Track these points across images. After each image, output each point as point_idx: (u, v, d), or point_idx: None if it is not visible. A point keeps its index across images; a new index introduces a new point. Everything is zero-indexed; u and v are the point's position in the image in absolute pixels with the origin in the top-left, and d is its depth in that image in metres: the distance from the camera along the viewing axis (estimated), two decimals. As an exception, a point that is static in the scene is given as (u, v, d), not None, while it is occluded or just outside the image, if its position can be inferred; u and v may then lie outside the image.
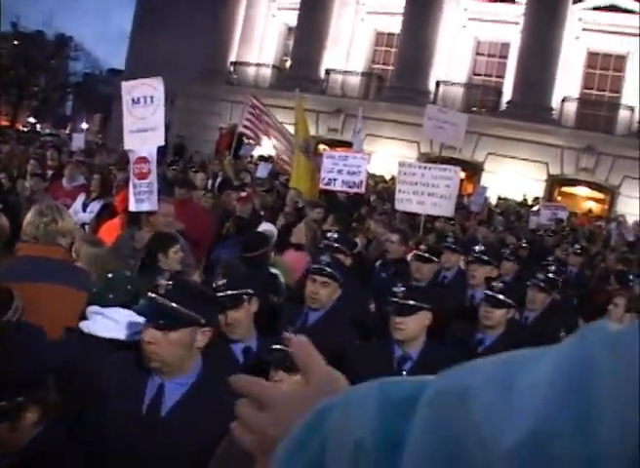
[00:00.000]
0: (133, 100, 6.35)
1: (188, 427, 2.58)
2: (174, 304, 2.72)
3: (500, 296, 4.46)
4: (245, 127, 13.24)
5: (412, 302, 3.79)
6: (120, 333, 3.27)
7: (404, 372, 3.71)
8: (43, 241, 4.02)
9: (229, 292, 3.59)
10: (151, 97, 6.25)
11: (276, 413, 0.76)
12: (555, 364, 0.53)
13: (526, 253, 9.29)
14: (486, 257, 5.95)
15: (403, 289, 3.89)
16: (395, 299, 3.83)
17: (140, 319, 3.32)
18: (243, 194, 9.63)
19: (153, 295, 2.77)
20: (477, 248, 6.19)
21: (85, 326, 3.30)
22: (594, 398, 0.48)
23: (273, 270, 5.67)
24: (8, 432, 2.13)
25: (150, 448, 2.56)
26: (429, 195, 8.11)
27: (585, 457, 0.47)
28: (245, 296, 3.65)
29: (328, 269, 4.40)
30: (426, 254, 6.10)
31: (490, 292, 4.52)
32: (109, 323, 3.27)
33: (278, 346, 2.91)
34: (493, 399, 0.54)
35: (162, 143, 6.47)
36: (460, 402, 0.56)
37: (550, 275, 6.08)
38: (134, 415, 2.68)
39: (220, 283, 3.63)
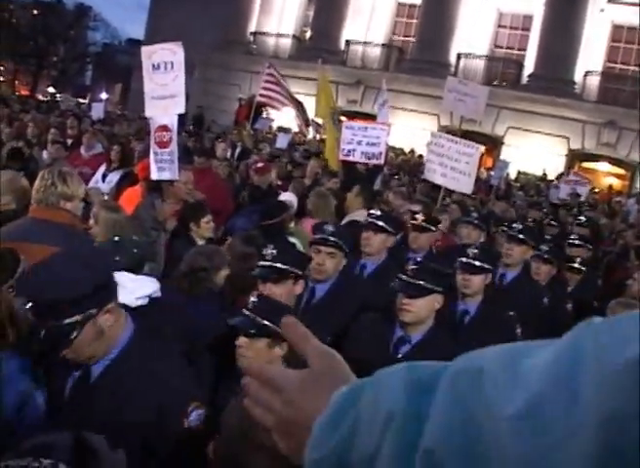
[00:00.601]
0: (153, 66, 6.24)
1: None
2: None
3: (477, 263, 4.33)
4: (262, 95, 13.20)
5: (422, 283, 3.49)
6: (126, 298, 3.26)
7: (399, 355, 3.45)
8: (44, 204, 4.10)
9: (277, 265, 3.54)
10: (171, 63, 6.12)
11: (289, 396, 0.85)
12: (554, 352, 0.65)
13: (555, 231, 9.08)
14: (523, 236, 5.60)
15: (414, 266, 3.59)
16: (405, 278, 3.54)
17: (146, 283, 3.32)
18: (260, 165, 9.63)
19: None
20: (515, 225, 5.92)
21: None
22: (579, 381, 0.61)
23: (292, 239, 5.68)
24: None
25: None
26: (452, 169, 8.13)
27: (568, 425, 0.59)
28: (292, 274, 3.61)
29: (332, 238, 4.21)
30: (424, 224, 5.80)
31: (465, 260, 4.37)
32: None
33: (243, 312, 2.96)
34: (501, 377, 0.67)
35: (182, 111, 6.35)
36: (475, 379, 0.68)
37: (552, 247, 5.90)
38: None
39: (269, 252, 3.58)
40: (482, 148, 8.59)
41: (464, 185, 8.23)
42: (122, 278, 3.19)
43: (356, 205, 6.82)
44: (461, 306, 4.36)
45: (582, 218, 9.51)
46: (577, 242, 7.34)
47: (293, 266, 3.62)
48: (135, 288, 3.25)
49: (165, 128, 6.27)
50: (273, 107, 14.30)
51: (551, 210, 12.25)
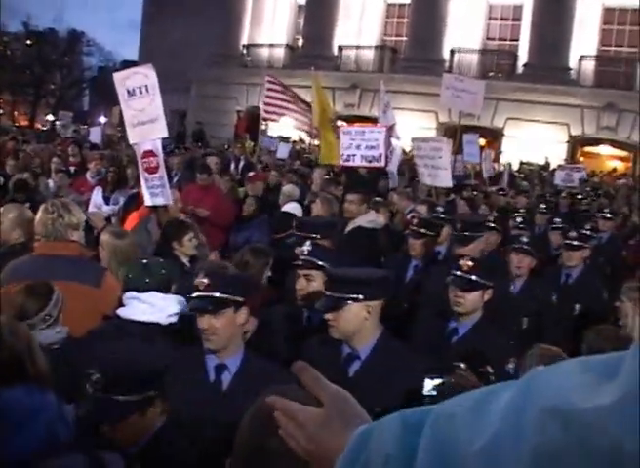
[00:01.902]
0: (128, 92, 6.03)
1: None
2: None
3: (473, 277, 3.80)
4: (267, 112, 13.21)
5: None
6: (157, 317, 3.38)
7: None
8: (53, 238, 4.08)
9: (214, 295, 3.01)
10: (146, 87, 5.96)
11: (309, 433, 1.02)
12: (510, 396, 0.79)
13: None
14: (529, 248, 5.55)
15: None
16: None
17: (174, 302, 3.44)
18: (251, 174, 9.70)
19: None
20: (524, 238, 5.67)
21: (122, 311, 3.42)
22: (522, 422, 0.75)
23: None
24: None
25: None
26: (432, 167, 8.40)
27: (515, 459, 0.74)
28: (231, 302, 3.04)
29: (311, 259, 3.79)
30: (422, 230, 5.66)
31: (458, 273, 3.84)
32: (146, 307, 3.39)
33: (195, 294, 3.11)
34: (470, 420, 0.81)
35: (165, 134, 6.21)
36: (450, 423, 0.83)
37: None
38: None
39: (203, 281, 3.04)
40: (447, 139, 8.83)
41: (444, 180, 8.49)
42: (153, 298, 3.40)
43: (359, 211, 6.83)
44: (452, 323, 3.87)
45: (607, 211, 9.35)
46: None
47: (229, 293, 3.05)
48: (165, 306, 3.41)
49: (151, 153, 6.12)
50: (277, 119, 14.24)
51: (556, 197, 12.25)
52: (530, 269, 5.55)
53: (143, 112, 6.03)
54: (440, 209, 6.62)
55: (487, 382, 2.63)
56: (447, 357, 3.42)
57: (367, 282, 3.13)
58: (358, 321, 3.09)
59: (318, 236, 4.69)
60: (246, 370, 2.99)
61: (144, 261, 3.65)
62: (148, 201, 6.21)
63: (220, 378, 2.99)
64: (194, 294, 3.02)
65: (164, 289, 3.48)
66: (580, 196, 12.46)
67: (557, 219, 7.92)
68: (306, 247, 3.87)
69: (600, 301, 5.77)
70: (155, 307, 3.39)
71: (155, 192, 6.13)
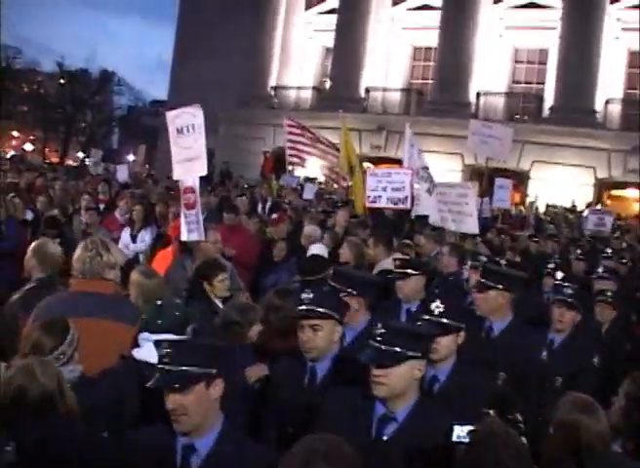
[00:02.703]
0: (177, 130, 6.48)
1: None
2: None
3: (444, 320, 3.61)
4: (290, 155, 13.35)
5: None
6: None
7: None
8: (90, 275, 4.12)
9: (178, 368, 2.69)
10: (193, 126, 6.35)
11: None
12: None
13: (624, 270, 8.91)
14: (574, 301, 5.10)
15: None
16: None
17: None
18: (274, 216, 9.76)
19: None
20: (568, 290, 5.19)
21: (137, 353, 3.39)
22: None
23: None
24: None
25: None
26: (457, 213, 8.37)
27: None
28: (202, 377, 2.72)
29: (317, 309, 3.47)
30: (408, 270, 5.27)
31: (428, 317, 3.64)
32: None
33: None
34: None
35: (205, 172, 6.52)
36: None
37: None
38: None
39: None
40: (473, 184, 8.75)
41: (471, 226, 8.47)
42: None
43: (381, 255, 6.83)
44: (430, 371, 3.56)
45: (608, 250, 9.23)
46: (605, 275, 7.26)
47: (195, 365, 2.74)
48: None
49: (191, 189, 6.43)
50: (302, 166, 14.41)
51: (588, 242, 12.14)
52: (574, 324, 5.13)
53: (188, 150, 6.33)
54: (484, 258, 6.50)
55: (516, 429, 2.60)
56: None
57: (425, 337, 3.01)
58: (410, 379, 2.91)
59: (354, 292, 4.33)
60: (217, 454, 2.64)
61: (159, 303, 3.61)
62: (185, 236, 6.38)
63: (189, 462, 2.65)
64: (158, 367, 2.68)
65: (178, 330, 3.41)
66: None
67: (600, 269, 7.73)
68: (307, 294, 3.51)
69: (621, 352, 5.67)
70: None
71: (191, 228, 6.32)
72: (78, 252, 4.23)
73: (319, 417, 3.06)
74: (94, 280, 4.11)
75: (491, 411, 2.70)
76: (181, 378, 2.60)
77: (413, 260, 5.70)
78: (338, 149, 13.60)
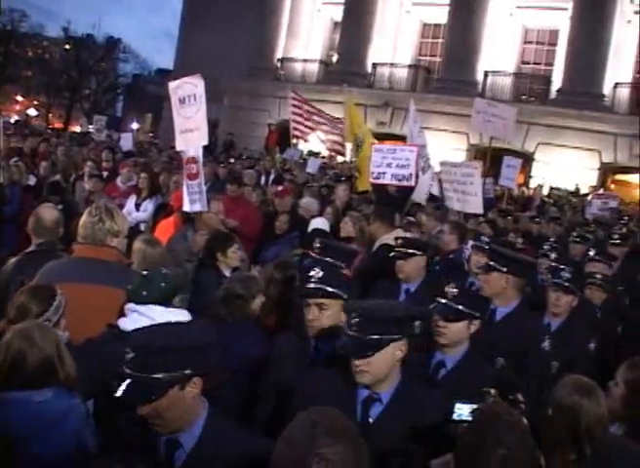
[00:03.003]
0: (180, 100, 6.46)
1: None
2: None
3: (459, 307, 3.55)
4: (295, 129, 13.34)
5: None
6: None
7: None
8: (92, 241, 4.10)
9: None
10: (194, 96, 6.34)
11: None
12: None
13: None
14: (570, 285, 4.96)
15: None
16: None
17: (176, 316, 3.27)
18: (280, 188, 9.73)
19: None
20: (565, 274, 5.02)
21: (122, 322, 3.33)
22: None
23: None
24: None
25: None
26: (462, 193, 8.32)
27: None
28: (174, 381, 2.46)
29: (323, 287, 3.42)
30: (410, 250, 5.21)
31: (443, 301, 3.59)
32: (144, 320, 3.22)
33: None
34: None
35: (206, 142, 6.52)
36: None
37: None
38: None
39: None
40: (479, 164, 8.66)
41: (474, 206, 8.41)
42: (151, 311, 3.27)
43: (380, 230, 6.83)
44: (438, 356, 3.58)
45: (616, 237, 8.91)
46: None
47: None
48: (164, 321, 3.11)
49: (193, 159, 6.41)
50: (305, 140, 14.41)
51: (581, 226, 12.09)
52: (571, 308, 5.00)
53: (190, 120, 6.31)
54: (485, 238, 6.19)
55: (517, 409, 2.60)
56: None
57: (402, 320, 2.85)
58: (392, 363, 2.84)
59: (342, 264, 4.39)
60: (203, 447, 2.44)
61: (145, 273, 3.52)
62: (187, 207, 6.37)
63: (173, 457, 2.45)
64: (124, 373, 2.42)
65: (164, 301, 3.34)
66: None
67: (592, 251, 7.42)
68: (316, 272, 3.41)
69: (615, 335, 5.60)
70: (154, 321, 3.16)
71: (194, 199, 6.31)
72: (83, 217, 4.22)
73: (299, 400, 2.89)
74: (97, 246, 4.09)
75: (492, 391, 2.70)
76: (150, 388, 2.30)
77: (415, 240, 5.62)
78: (342, 123, 13.56)
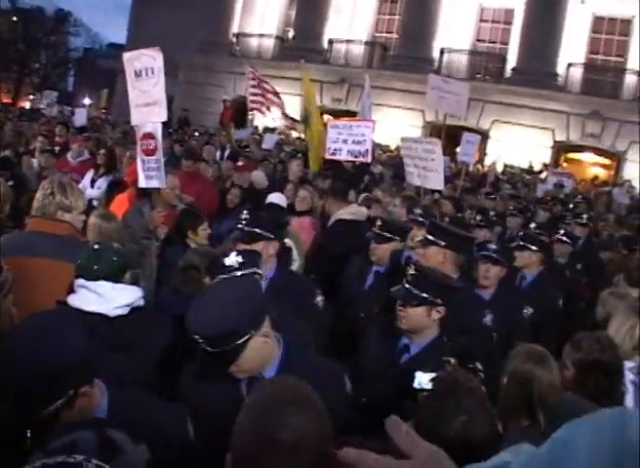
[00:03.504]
0: (135, 73, 6.24)
1: None
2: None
3: (419, 292, 3.50)
4: (252, 102, 13.26)
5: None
6: (103, 307, 3.10)
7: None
8: (42, 215, 4.05)
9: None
10: (152, 69, 6.11)
11: None
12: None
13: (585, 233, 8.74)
14: (498, 256, 5.06)
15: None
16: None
17: (127, 292, 3.19)
18: (240, 163, 9.66)
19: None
20: (492, 245, 5.17)
21: (71, 299, 3.15)
22: None
23: (286, 240, 5.73)
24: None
25: None
26: (423, 168, 8.36)
27: None
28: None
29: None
30: (386, 234, 5.16)
31: (406, 285, 3.58)
32: (93, 296, 3.11)
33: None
34: None
35: (165, 118, 6.30)
36: None
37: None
38: None
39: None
40: (439, 141, 8.69)
41: (436, 182, 8.45)
42: (101, 287, 3.12)
43: (335, 206, 6.82)
44: (404, 340, 3.54)
45: (585, 216, 9.08)
46: (564, 238, 7.24)
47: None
48: (114, 297, 3.12)
49: (150, 135, 6.25)
50: (262, 112, 14.36)
51: (536, 202, 12.30)
52: (499, 279, 5.10)
53: (147, 94, 6.14)
54: (418, 211, 6.12)
55: (477, 378, 2.63)
56: (394, 375, 3.26)
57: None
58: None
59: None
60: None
61: (96, 247, 3.35)
62: (143, 183, 6.23)
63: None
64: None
65: (115, 277, 3.19)
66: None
67: (532, 225, 7.63)
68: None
69: (554, 306, 5.62)
70: (103, 297, 3.10)
71: (150, 175, 6.16)
72: (38, 191, 4.17)
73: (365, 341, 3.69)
74: (49, 220, 4.03)
75: (451, 360, 2.73)
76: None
77: (394, 225, 5.41)
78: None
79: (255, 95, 13.14)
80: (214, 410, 2.44)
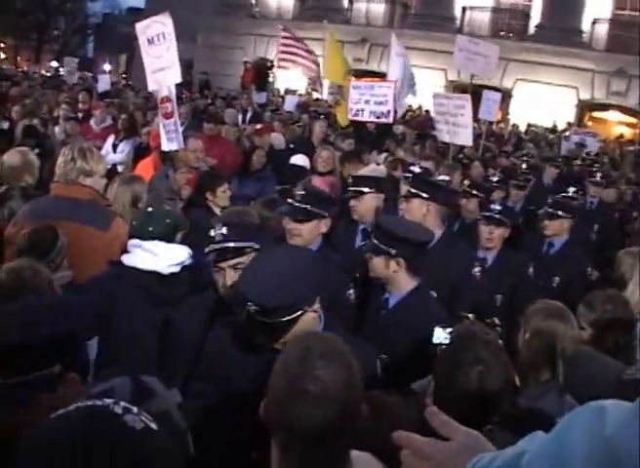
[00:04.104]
0: (148, 41, 6.39)
1: None
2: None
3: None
4: (281, 60, 13.13)
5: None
6: (158, 266, 3.38)
7: None
8: (64, 180, 4.18)
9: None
10: (163, 34, 6.26)
11: (435, 463, 1.12)
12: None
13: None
14: (502, 217, 5.05)
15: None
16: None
17: (178, 251, 3.44)
18: (259, 126, 9.69)
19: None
20: (495, 206, 5.16)
21: (126, 258, 3.43)
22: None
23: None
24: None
25: None
26: (453, 124, 8.35)
27: None
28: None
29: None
30: (360, 188, 4.91)
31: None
32: (148, 255, 3.38)
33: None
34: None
35: (179, 80, 6.50)
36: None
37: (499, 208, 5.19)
38: None
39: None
40: (469, 97, 8.65)
41: (464, 138, 8.48)
42: (155, 247, 3.39)
43: (350, 169, 6.79)
44: (385, 295, 3.55)
45: (598, 175, 8.79)
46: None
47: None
48: (168, 256, 3.38)
49: (167, 99, 6.42)
50: (290, 67, 14.17)
51: (565, 162, 12.18)
52: (504, 240, 5.10)
53: (161, 59, 6.27)
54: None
55: (494, 332, 2.69)
56: (376, 329, 3.37)
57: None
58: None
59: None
60: None
61: (149, 209, 3.64)
62: (165, 146, 6.37)
63: None
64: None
65: (168, 237, 3.45)
66: (578, 161, 12.22)
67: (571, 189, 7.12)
68: (220, 230, 3.10)
69: (583, 275, 5.50)
70: (157, 256, 3.38)
71: (171, 137, 6.30)
72: (59, 158, 4.29)
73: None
74: (70, 185, 4.15)
75: (470, 315, 2.79)
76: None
77: (366, 177, 5.18)
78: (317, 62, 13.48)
79: (284, 53, 13.00)
80: (250, 381, 2.34)
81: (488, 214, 5.07)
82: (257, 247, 3.03)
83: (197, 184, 5.68)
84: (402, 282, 3.43)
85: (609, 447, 0.91)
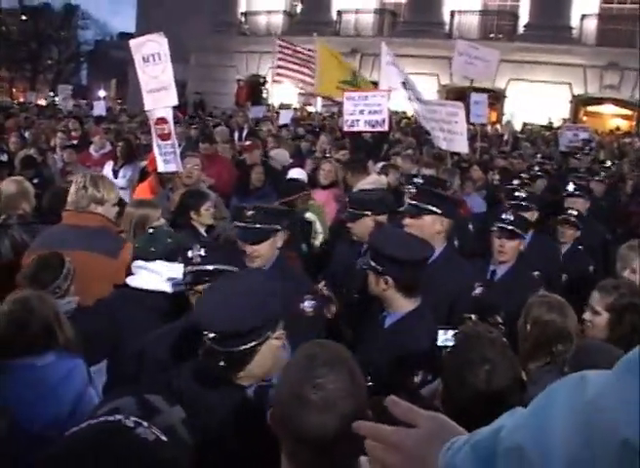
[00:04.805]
0: (144, 59, 6.35)
1: None
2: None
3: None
4: (279, 75, 13.12)
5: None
6: (163, 285, 3.42)
7: None
8: (75, 208, 4.18)
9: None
10: (158, 55, 6.23)
11: (405, 452, 1.09)
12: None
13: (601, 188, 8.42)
14: (515, 229, 4.58)
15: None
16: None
17: (180, 271, 3.33)
18: (247, 143, 9.71)
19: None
20: (509, 216, 4.63)
21: (131, 280, 3.47)
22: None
23: (308, 214, 5.82)
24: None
25: None
26: (448, 132, 8.37)
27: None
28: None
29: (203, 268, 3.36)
30: (357, 211, 4.55)
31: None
32: (152, 276, 3.43)
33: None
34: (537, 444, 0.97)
35: (175, 103, 6.40)
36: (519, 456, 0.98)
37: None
38: None
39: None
40: (461, 104, 8.69)
41: (460, 145, 8.47)
42: (159, 267, 3.44)
43: (355, 179, 6.79)
44: (383, 313, 3.34)
45: (602, 174, 8.79)
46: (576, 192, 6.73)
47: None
48: (171, 275, 3.41)
49: (163, 120, 6.36)
50: (286, 80, 14.16)
51: (562, 158, 12.21)
52: (519, 253, 4.63)
53: (157, 79, 6.25)
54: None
55: (497, 330, 2.72)
56: (370, 347, 3.18)
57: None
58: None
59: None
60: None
61: (151, 231, 3.68)
62: (161, 167, 6.34)
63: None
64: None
65: (170, 257, 3.47)
66: (578, 155, 12.22)
67: (571, 187, 6.98)
68: (198, 252, 3.00)
69: (585, 272, 5.47)
70: (161, 276, 3.42)
71: (167, 159, 6.27)
72: (72, 186, 4.31)
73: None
74: (80, 213, 4.16)
75: (472, 316, 2.80)
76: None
77: (363, 200, 4.73)
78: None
79: (281, 68, 12.99)
80: (215, 416, 2.20)
81: (500, 224, 4.56)
82: (234, 270, 2.90)
83: (180, 205, 5.48)
84: (395, 301, 3.21)
85: (590, 410, 0.90)
